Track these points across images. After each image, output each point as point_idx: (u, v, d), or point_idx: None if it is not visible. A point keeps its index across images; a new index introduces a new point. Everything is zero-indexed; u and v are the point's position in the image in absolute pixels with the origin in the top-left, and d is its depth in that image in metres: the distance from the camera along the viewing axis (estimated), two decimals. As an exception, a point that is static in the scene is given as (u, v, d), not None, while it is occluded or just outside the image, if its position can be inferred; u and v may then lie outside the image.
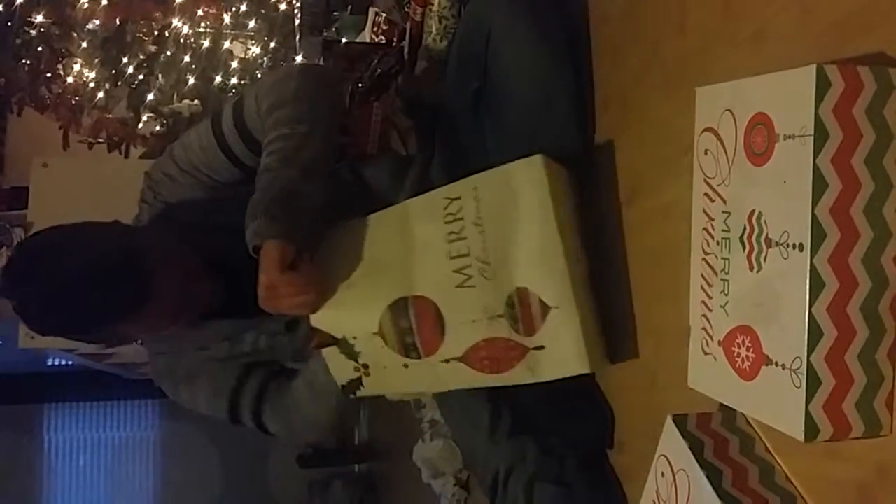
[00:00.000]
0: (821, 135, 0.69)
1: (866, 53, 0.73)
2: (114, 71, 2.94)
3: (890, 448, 0.72)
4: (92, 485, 5.62)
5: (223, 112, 1.27)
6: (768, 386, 0.76)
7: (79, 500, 5.59)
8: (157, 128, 3.14)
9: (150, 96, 2.99)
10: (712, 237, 0.85)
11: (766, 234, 0.76)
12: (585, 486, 1.20)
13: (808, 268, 0.70)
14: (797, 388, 0.72)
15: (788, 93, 0.72)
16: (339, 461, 4.88)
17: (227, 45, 3.04)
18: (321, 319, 1.13)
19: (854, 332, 0.71)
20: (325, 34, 2.38)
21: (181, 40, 2.91)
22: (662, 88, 1.11)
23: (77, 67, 3.02)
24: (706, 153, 0.85)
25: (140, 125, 3.11)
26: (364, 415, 4.66)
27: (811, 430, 0.71)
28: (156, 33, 2.91)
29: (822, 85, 0.69)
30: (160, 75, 2.95)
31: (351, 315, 1.13)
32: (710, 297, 0.86)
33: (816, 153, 0.69)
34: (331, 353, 1.15)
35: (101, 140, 3.10)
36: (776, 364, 0.75)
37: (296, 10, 2.83)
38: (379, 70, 1.71)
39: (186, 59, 2.94)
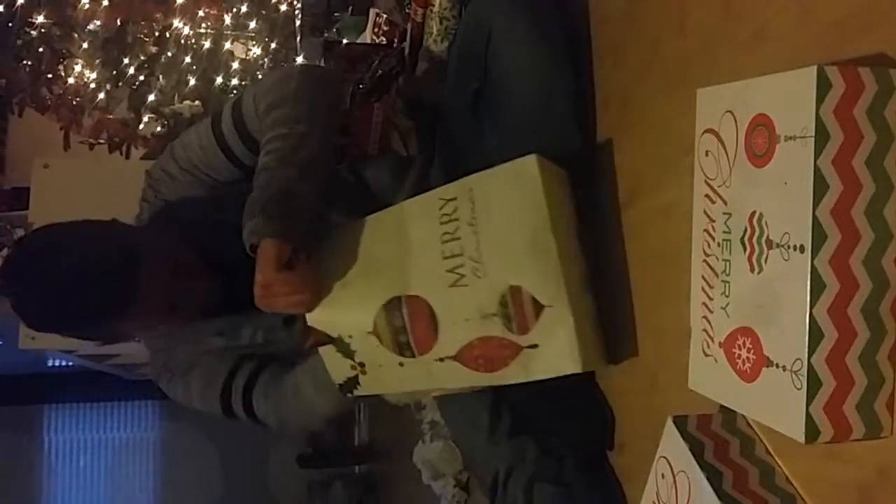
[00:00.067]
0: (822, 136, 0.69)
1: (867, 54, 0.73)
2: (115, 72, 2.95)
3: (890, 450, 0.72)
4: (92, 485, 5.62)
5: (223, 112, 1.27)
6: (769, 387, 0.76)
7: (79, 501, 5.59)
8: (158, 129, 3.14)
9: (151, 97, 2.99)
10: (713, 238, 0.85)
11: (767, 236, 0.76)
12: (585, 486, 1.19)
13: (809, 269, 0.70)
14: (798, 389, 0.71)
15: (789, 94, 0.72)
16: (339, 462, 4.88)
17: (227, 45, 3.04)
18: (317, 318, 1.14)
19: (855, 333, 0.71)
20: (325, 35, 2.38)
21: (182, 41, 2.91)
22: (663, 89, 1.11)
23: (78, 68, 3.02)
24: (707, 154, 0.85)
25: (141, 126, 3.12)
26: (364, 416, 4.66)
27: (812, 431, 0.71)
28: (157, 34, 2.91)
29: (823, 86, 0.69)
30: (161, 76, 2.96)
31: (346, 314, 1.14)
32: (710, 299, 0.85)
33: (817, 154, 0.69)
34: (327, 352, 1.16)
35: (101, 141, 3.11)
36: (777, 365, 0.75)
37: (297, 11, 2.83)
38: (380, 71, 1.71)
39: (187, 59, 2.94)
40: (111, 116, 3.10)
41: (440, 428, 2.06)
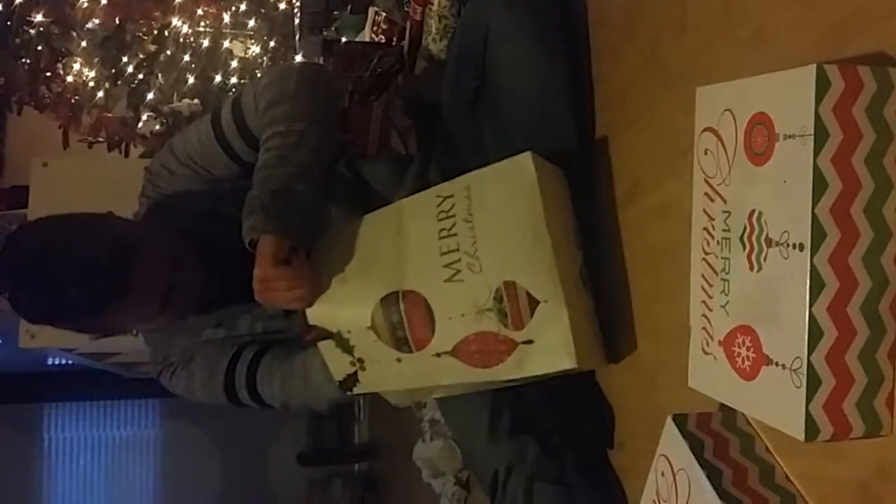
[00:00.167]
0: (821, 134, 0.69)
1: (866, 53, 0.73)
2: (113, 70, 2.94)
3: (890, 448, 0.72)
4: (92, 484, 5.63)
5: (223, 108, 1.28)
6: (768, 386, 0.76)
7: (79, 500, 5.60)
8: (157, 127, 3.13)
9: (150, 95, 2.99)
10: (712, 237, 0.85)
11: (767, 234, 0.76)
12: (585, 486, 1.20)
13: (809, 267, 0.70)
14: (797, 387, 0.72)
15: (788, 92, 0.72)
16: (339, 460, 4.89)
17: (226, 44, 3.03)
18: (316, 314, 1.15)
19: (854, 331, 0.71)
20: (324, 33, 2.37)
21: (181, 39, 2.90)
22: (662, 87, 1.11)
23: (77, 67, 3.01)
24: (706, 153, 0.85)
25: (140, 124, 3.11)
26: (364, 414, 4.67)
27: (811, 429, 0.71)
28: (155, 32, 2.90)
29: (822, 85, 0.69)
30: (160, 74, 2.95)
31: (344, 309, 1.15)
32: (710, 297, 0.86)
33: (816, 153, 0.69)
34: (327, 347, 1.17)
35: (100, 139, 3.10)
36: (776, 364, 0.75)
37: (295, 10, 2.82)
38: (379, 69, 1.71)
39: (186, 58, 2.94)
40: (110, 115, 3.10)
41: (440, 426, 2.07)
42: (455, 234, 1.11)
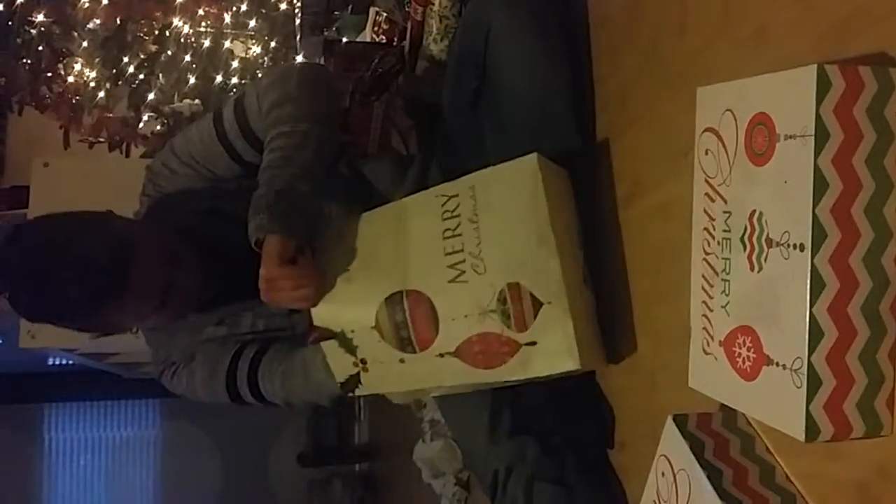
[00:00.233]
0: (822, 135, 0.69)
1: (867, 53, 0.73)
2: (114, 70, 2.94)
3: (890, 448, 0.72)
4: (92, 484, 5.62)
5: (224, 108, 1.28)
6: (769, 386, 0.76)
7: (79, 500, 5.59)
8: (158, 127, 3.13)
9: (151, 96, 2.99)
10: (713, 237, 0.85)
11: (767, 235, 0.76)
12: (585, 486, 1.20)
13: (809, 268, 0.70)
14: (798, 388, 0.72)
15: (789, 93, 0.72)
16: (339, 460, 4.89)
17: (227, 44, 3.03)
18: (320, 313, 1.16)
19: (855, 332, 0.71)
20: (325, 34, 2.37)
21: (182, 40, 2.90)
22: (663, 87, 1.11)
23: (78, 67, 3.01)
24: (707, 153, 0.85)
25: (141, 124, 3.11)
26: (364, 414, 4.67)
27: (812, 430, 0.71)
28: (156, 33, 2.90)
29: (823, 85, 0.69)
30: (161, 75, 2.95)
31: (349, 309, 1.15)
32: (710, 298, 0.86)
33: (817, 153, 0.69)
34: (330, 347, 1.17)
35: (101, 139, 3.10)
36: (777, 364, 0.75)
37: (296, 10, 2.82)
38: (380, 69, 1.71)
39: (187, 58, 2.94)
40: (111, 115, 3.10)
41: (440, 426, 2.06)
42: (459, 235, 1.11)
